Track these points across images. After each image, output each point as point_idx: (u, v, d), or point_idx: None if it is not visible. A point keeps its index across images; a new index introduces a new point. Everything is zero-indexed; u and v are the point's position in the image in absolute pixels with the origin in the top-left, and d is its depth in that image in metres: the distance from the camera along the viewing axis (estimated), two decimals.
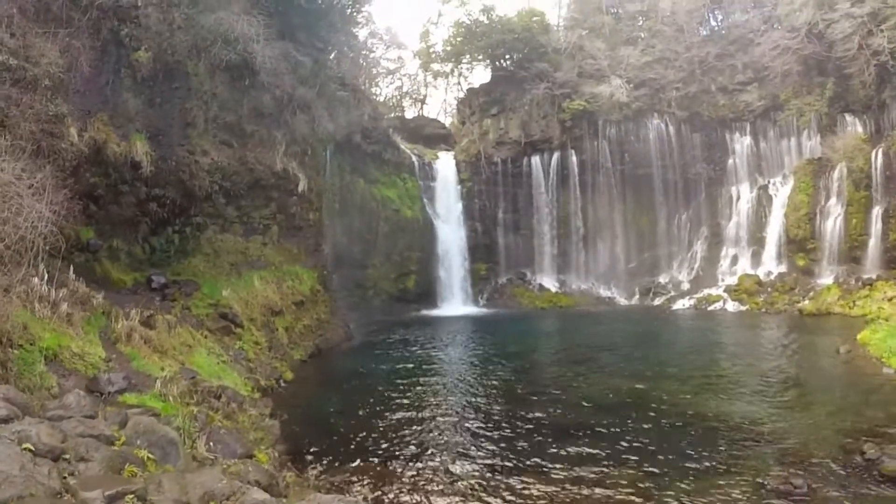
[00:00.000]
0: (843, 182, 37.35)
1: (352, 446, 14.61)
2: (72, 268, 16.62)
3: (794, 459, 13.04)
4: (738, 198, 44.14)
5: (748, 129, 44.89)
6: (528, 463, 13.26)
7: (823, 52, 40.02)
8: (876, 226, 35.67)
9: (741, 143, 44.99)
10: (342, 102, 32.87)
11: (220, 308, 21.74)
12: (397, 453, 14.14)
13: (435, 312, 39.22)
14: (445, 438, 15.16)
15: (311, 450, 14.28)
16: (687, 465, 12.96)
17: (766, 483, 11.84)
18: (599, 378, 20.84)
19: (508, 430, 15.54)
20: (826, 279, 36.86)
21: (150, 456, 9.29)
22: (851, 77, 39.09)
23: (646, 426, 15.59)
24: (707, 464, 12.98)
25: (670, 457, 13.38)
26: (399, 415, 17.10)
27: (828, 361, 22.64)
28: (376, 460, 13.66)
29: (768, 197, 42.65)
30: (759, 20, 46.09)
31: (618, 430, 15.29)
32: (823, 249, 37.87)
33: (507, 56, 48.64)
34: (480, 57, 51.59)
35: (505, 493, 11.85)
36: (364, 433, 15.54)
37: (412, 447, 14.55)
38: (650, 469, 12.74)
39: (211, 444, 11.32)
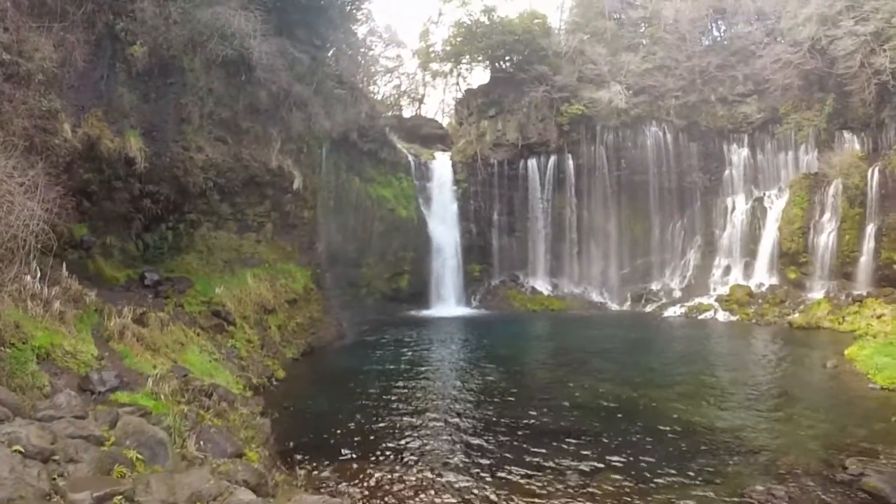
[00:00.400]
0: (837, 198, 37.47)
1: (342, 445, 14.77)
2: (64, 265, 16.57)
3: (777, 471, 13.26)
4: (733, 209, 44.24)
5: (746, 140, 44.89)
6: (513, 468, 13.43)
7: (825, 68, 40.00)
8: (868, 243, 35.81)
9: (738, 155, 45.04)
10: (339, 100, 32.66)
11: (213, 305, 21.76)
12: (387, 453, 14.30)
13: (427, 312, 39.24)
14: (434, 440, 15.34)
15: (302, 448, 14.44)
16: (671, 472, 13.18)
17: (747, 494, 12.03)
18: (589, 383, 20.99)
19: (496, 433, 15.74)
20: (817, 293, 37.02)
21: (139, 456, 9.36)
22: (851, 94, 39.10)
23: (632, 433, 15.81)
24: (690, 473, 13.20)
25: (655, 464, 13.60)
26: (389, 415, 17.27)
27: (815, 375, 22.84)
28: (366, 460, 13.82)
29: (763, 209, 42.77)
30: (762, 33, 45.97)
31: (604, 436, 15.51)
32: (815, 264, 38.00)
33: (507, 58, 48.50)
34: (480, 58, 51.41)
35: (490, 496, 12.03)
36: (354, 432, 15.72)
37: (401, 448, 14.72)
38: (634, 476, 12.97)
39: (201, 442, 11.40)
